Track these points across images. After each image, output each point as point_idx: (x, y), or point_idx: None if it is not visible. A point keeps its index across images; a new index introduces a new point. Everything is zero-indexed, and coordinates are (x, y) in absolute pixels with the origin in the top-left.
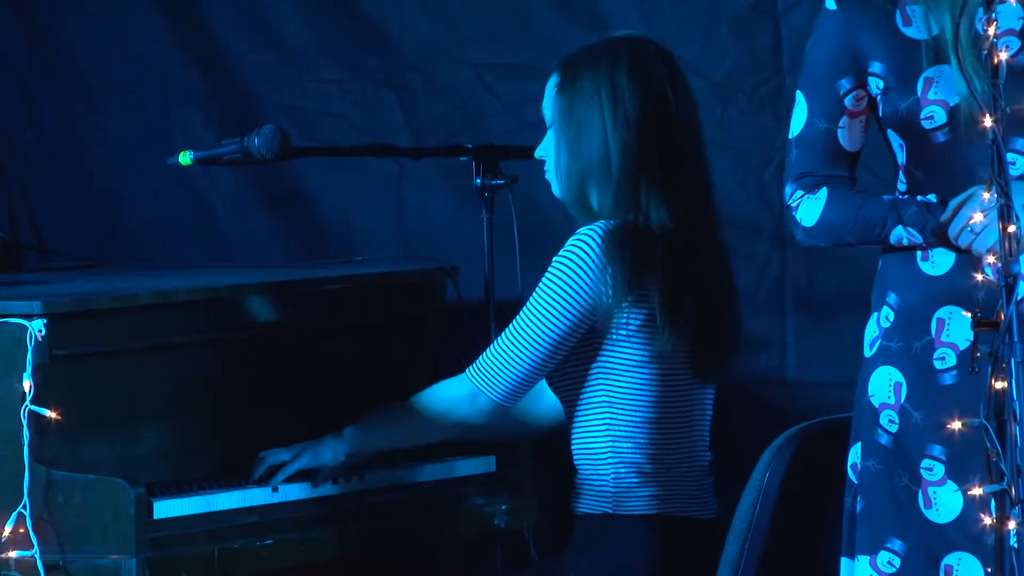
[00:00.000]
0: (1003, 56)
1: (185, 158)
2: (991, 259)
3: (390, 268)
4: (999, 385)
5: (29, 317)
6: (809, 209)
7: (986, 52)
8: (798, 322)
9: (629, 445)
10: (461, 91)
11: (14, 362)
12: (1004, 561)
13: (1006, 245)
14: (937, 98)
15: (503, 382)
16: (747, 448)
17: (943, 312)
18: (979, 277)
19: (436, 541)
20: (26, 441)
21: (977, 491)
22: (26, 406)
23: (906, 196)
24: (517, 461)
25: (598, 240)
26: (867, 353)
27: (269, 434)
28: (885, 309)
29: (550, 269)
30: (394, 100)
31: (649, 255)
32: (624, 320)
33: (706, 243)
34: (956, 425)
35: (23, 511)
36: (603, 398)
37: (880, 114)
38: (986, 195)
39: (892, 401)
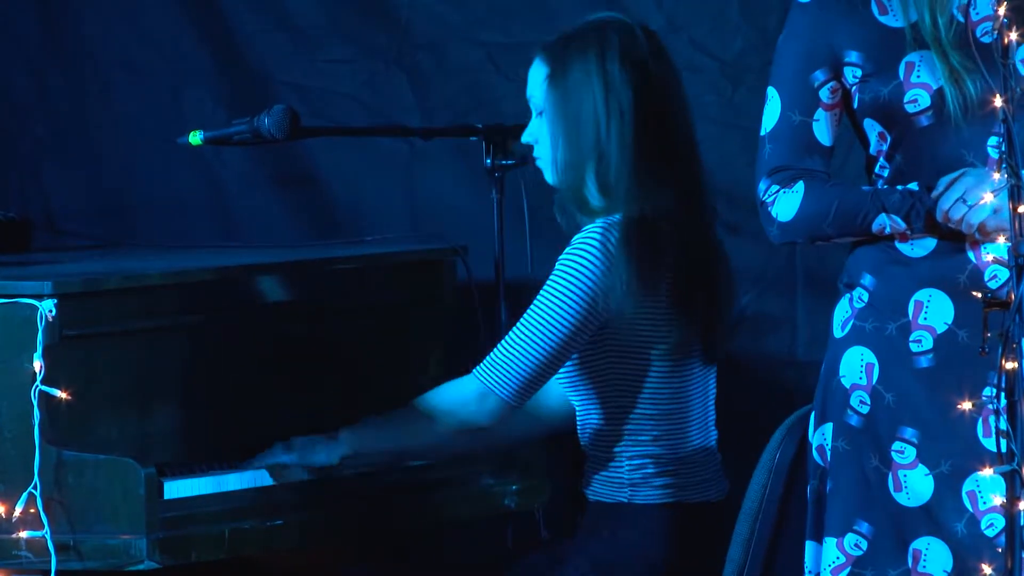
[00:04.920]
0: (1013, 36)
1: (195, 138)
2: (978, 237)
3: (400, 248)
4: (1010, 365)
5: (39, 297)
6: (786, 203)
7: (996, 32)
8: (808, 302)
9: (646, 437)
10: (471, 71)
11: (24, 342)
12: (1015, 541)
13: (1016, 225)
14: (920, 81)
15: (513, 380)
16: (757, 428)
17: (922, 294)
18: (986, 258)
19: (447, 522)
20: (36, 421)
21: (988, 471)
22: (36, 386)
23: (886, 187)
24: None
25: (606, 238)
26: (838, 334)
27: (279, 414)
28: (859, 290)
29: (559, 266)
30: (404, 80)
31: (656, 249)
32: (637, 315)
33: (706, 228)
34: (967, 405)
35: (33, 491)
36: (619, 391)
37: (856, 105)
38: (996, 175)
39: (864, 382)
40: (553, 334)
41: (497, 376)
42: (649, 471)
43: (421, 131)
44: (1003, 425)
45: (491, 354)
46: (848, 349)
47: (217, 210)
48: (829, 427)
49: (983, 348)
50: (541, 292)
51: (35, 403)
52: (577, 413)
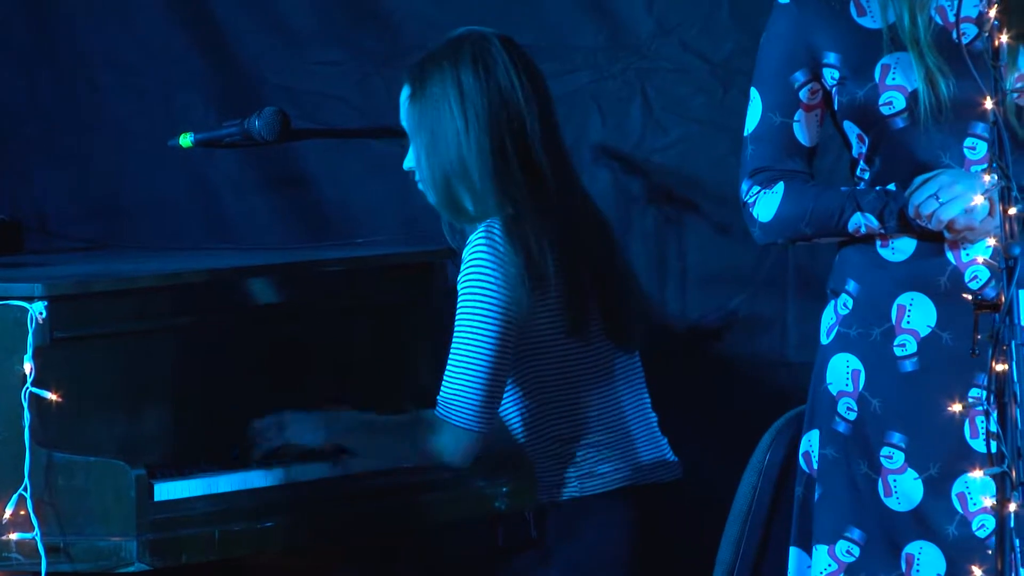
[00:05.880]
0: (1004, 38)
1: (186, 140)
2: (947, 235)
3: (391, 250)
4: (1000, 367)
5: (30, 299)
6: (766, 204)
7: (987, 33)
8: (799, 302)
9: (570, 428)
10: None
11: (15, 344)
12: (1004, 543)
13: (1006, 227)
14: (895, 83)
15: (474, 408)
16: (748, 429)
17: (904, 298)
18: (975, 259)
19: (437, 523)
20: (27, 423)
21: (978, 473)
22: (27, 388)
23: (864, 188)
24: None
25: (490, 237)
26: (824, 341)
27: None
28: (843, 296)
29: (462, 282)
30: (395, 82)
31: (542, 239)
32: (535, 309)
33: (584, 218)
34: (957, 408)
35: (24, 493)
36: (539, 392)
37: (836, 107)
38: (987, 177)
39: (850, 389)
40: (488, 345)
41: (458, 410)
42: (588, 461)
43: None
44: (993, 427)
45: (442, 392)
46: (834, 356)
47: (208, 212)
48: (815, 434)
49: (974, 350)
50: (458, 313)
51: (25, 405)
52: (509, 425)
